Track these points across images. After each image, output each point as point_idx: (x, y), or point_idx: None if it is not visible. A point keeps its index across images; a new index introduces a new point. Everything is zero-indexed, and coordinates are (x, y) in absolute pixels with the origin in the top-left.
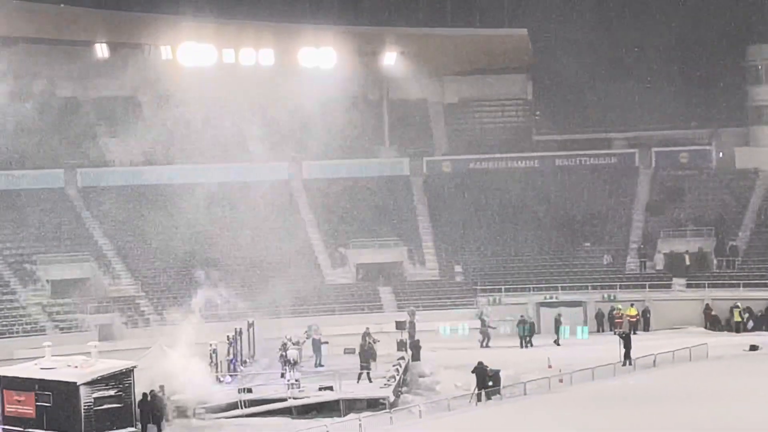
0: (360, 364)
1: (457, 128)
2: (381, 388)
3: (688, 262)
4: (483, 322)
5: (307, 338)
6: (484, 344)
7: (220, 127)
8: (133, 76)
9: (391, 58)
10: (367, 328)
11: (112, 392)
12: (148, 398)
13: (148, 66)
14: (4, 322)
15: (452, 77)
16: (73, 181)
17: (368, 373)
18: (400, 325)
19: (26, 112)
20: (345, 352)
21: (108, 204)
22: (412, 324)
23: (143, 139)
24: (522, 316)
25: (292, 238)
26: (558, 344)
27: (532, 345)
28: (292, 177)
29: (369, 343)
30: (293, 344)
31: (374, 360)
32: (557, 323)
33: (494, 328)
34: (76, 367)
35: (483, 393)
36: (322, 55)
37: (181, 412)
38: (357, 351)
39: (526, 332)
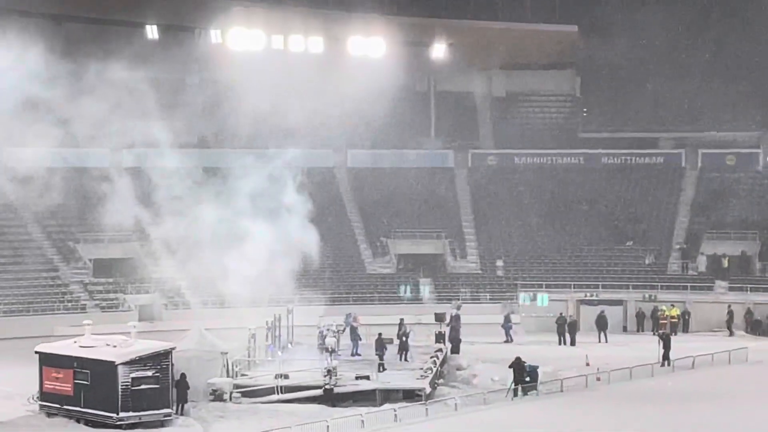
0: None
1: (504, 122)
2: (417, 379)
3: (725, 265)
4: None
5: (345, 326)
6: (509, 339)
7: (266, 113)
8: (182, 59)
9: (439, 50)
10: (402, 319)
11: (149, 373)
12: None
13: (197, 49)
14: (46, 299)
15: (500, 71)
16: (118, 161)
17: (380, 364)
18: (439, 317)
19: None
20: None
21: (154, 185)
22: (457, 317)
23: (190, 122)
24: (561, 314)
25: (335, 225)
26: (606, 341)
27: (574, 344)
28: (337, 165)
29: (404, 332)
30: (332, 332)
31: (407, 350)
32: (602, 321)
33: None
34: (115, 346)
35: (520, 388)
36: (371, 44)
37: (218, 396)
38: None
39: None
